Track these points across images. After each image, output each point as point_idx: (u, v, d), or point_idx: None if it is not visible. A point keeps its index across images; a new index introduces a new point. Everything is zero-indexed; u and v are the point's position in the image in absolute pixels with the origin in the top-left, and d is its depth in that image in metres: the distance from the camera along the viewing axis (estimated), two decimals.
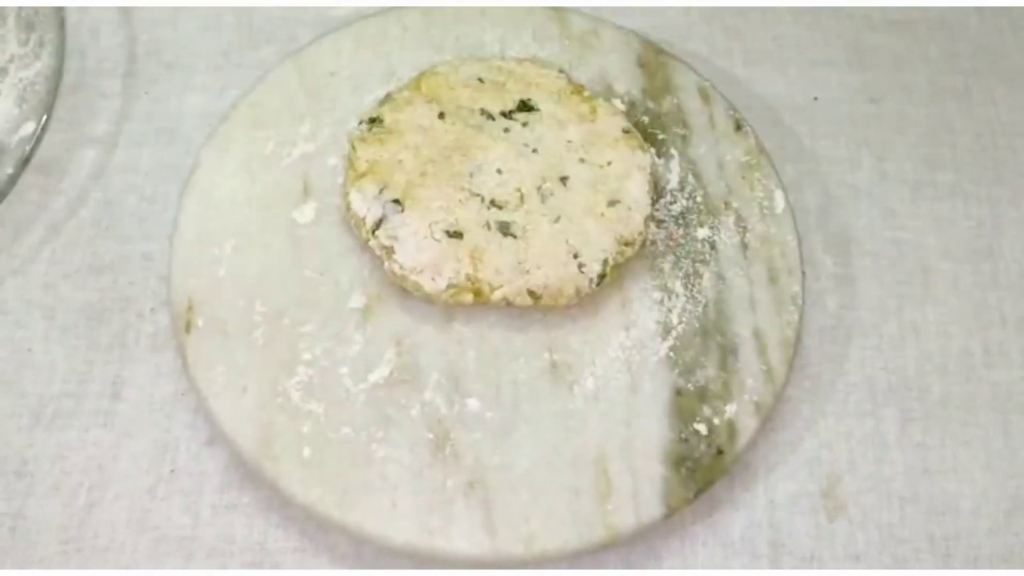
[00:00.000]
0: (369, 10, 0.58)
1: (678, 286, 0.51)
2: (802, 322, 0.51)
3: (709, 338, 0.50)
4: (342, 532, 0.46)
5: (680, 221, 0.53)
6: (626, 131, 0.53)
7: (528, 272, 0.49)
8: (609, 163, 0.52)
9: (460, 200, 0.50)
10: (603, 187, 0.51)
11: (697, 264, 0.52)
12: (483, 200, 0.50)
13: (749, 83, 0.60)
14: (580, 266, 0.49)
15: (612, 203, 0.51)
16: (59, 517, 0.47)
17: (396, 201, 0.50)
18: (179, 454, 0.49)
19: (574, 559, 0.47)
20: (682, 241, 0.53)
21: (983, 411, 0.52)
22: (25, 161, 0.51)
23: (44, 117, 0.52)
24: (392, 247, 0.49)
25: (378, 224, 0.50)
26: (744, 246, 0.52)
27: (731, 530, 0.49)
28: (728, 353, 0.50)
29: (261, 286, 0.50)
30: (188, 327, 0.49)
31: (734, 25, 0.62)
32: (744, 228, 0.53)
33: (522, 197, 0.51)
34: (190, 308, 0.49)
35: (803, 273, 0.52)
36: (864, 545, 0.49)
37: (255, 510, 0.48)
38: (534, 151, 0.52)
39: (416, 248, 0.49)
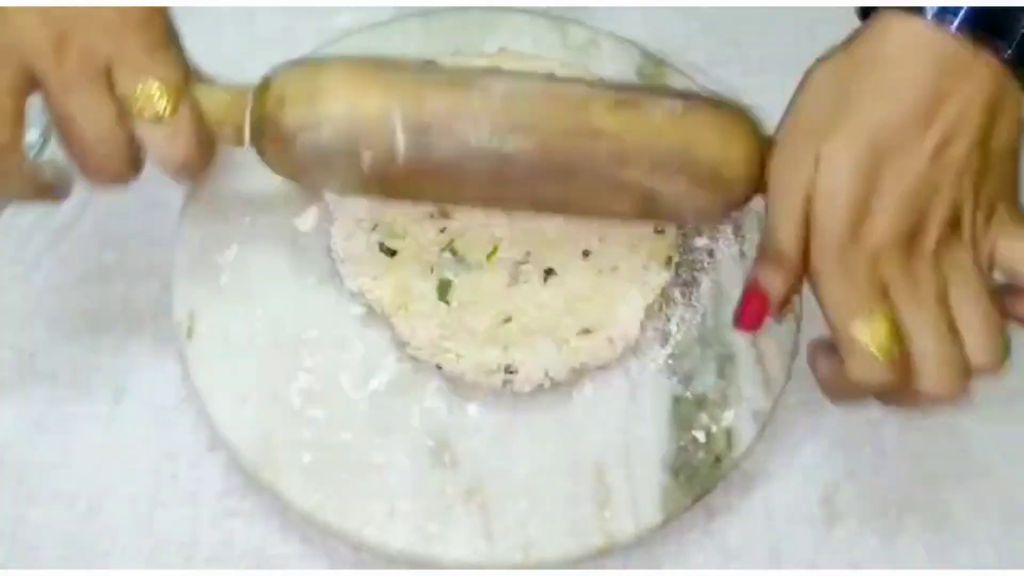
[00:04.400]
0: (366, 9, 0.59)
1: (676, 294, 0.51)
2: (800, 330, 0.51)
3: (708, 346, 0.50)
4: (341, 538, 0.46)
5: (679, 230, 0.53)
6: (658, 231, 0.50)
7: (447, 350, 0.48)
8: (614, 269, 0.49)
9: (425, 213, 0.49)
10: (583, 306, 0.48)
11: (696, 272, 0.52)
12: (444, 231, 0.49)
13: (748, 93, 0.60)
14: (508, 374, 0.47)
15: (585, 331, 0.48)
16: (60, 523, 0.48)
17: None
18: (180, 460, 0.49)
19: (572, 566, 0.47)
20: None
21: (981, 419, 0.52)
22: None
23: (48, 124, 0.52)
24: (335, 215, 0.49)
25: None
26: (743, 255, 0.52)
27: (729, 537, 0.49)
28: (726, 361, 0.50)
29: (262, 293, 0.50)
30: (190, 333, 0.49)
31: (733, 35, 0.63)
32: (743, 237, 0.53)
33: (494, 253, 0.49)
34: (192, 315, 0.49)
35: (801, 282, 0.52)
36: (862, 553, 0.49)
37: (255, 516, 0.48)
38: None
39: (350, 228, 0.49)
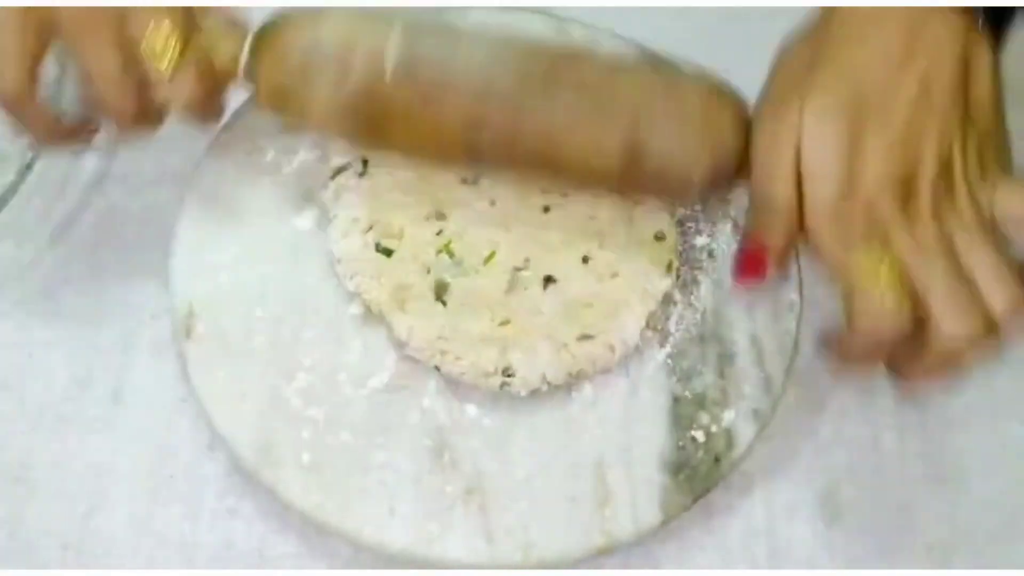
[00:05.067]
0: (365, 9, 0.58)
1: (676, 293, 0.51)
2: (800, 330, 0.51)
3: (707, 345, 0.50)
4: (341, 538, 0.46)
5: (679, 229, 0.52)
6: (659, 237, 0.50)
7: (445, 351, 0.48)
8: (614, 275, 0.49)
9: (421, 215, 0.49)
10: (584, 312, 0.48)
11: (695, 271, 0.52)
12: (441, 233, 0.49)
13: (748, 93, 0.60)
14: (505, 377, 0.47)
15: (585, 336, 0.48)
16: (59, 522, 0.48)
17: (365, 161, 0.50)
18: (179, 460, 0.49)
19: (572, 566, 0.47)
20: None
21: (982, 419, 0.52)
22: (27, 168, 0.52)
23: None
24: (332, 214, 0.49)
25: (340, 171, 0.49)
26: None
27: (729, 537, 0.49)
28: (726, 360, 0.50)
29: (261, 292, 0.50)
30: (189, 333, 0.49)
31: (733, 34, 0.62)
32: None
33: (491, 258, 0.48)
34: (191, 314, 0.49)
35: (800, 281, 0.52)
36: (862, 552, 0.49)
37: (255, 516, 0.48)
38: (545, 210, 0.50)
39: (347, 227, 0.49)
